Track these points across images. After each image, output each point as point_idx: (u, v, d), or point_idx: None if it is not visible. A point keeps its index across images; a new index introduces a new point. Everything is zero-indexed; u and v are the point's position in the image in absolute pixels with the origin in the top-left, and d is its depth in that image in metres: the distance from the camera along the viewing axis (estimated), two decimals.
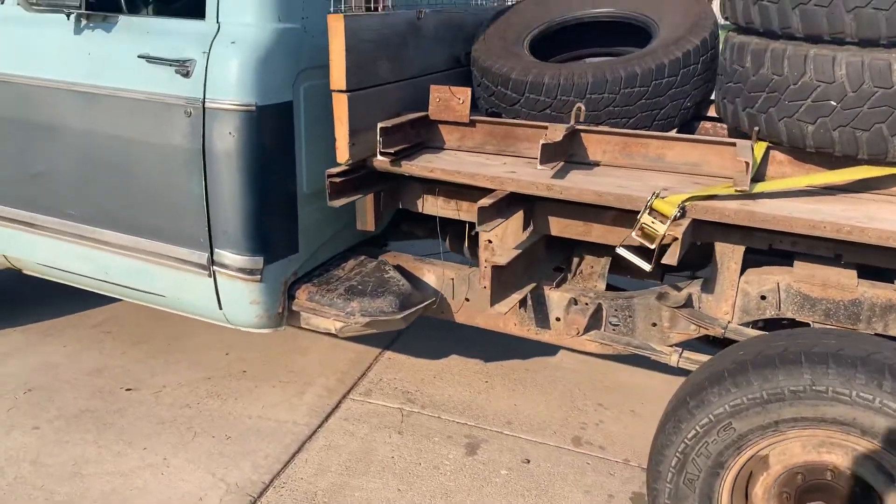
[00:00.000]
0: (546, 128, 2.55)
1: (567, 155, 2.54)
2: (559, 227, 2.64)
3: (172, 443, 2.87)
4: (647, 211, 2.16)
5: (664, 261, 2.12)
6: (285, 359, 3.53)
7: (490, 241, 2.72)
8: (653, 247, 2.15)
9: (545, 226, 2.65)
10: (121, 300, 3.27)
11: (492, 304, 2.50)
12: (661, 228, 2.14)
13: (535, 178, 2.41)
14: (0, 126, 2.77)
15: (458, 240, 3.24)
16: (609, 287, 2.80)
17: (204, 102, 2.37)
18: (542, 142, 2.30)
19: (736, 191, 2.21)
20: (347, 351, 3.63)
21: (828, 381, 1.86)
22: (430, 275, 2.89)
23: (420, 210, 2.88)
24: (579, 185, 2.33)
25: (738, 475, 2.10)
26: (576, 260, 2.90)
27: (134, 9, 2.93)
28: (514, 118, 2.78)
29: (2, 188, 2.86)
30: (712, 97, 2.85)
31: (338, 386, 3.33)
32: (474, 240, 3.19)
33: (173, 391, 3.22)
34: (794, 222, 2.05)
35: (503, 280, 2.52)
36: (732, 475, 2.09)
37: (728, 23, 2.54)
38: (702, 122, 3.03)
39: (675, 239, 2.09)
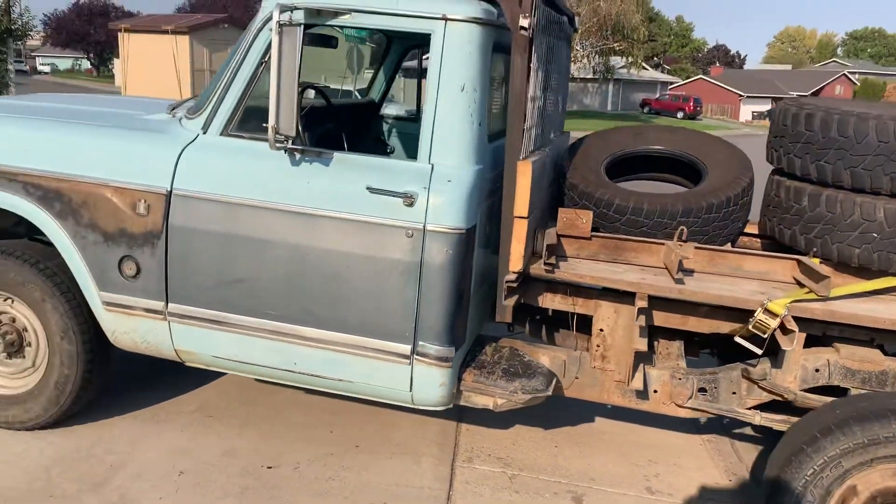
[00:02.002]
0: (651, 243, 3.39)
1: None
2: (662, 318, 3.44)
3: None
4: (763, 310, 3.02)
5: (784, 347, 2.97)
6: (383, 433, 4.04)
7: (601, 330, 3.48)
8: (765, 336, 3.01)
9: (650, 318, 3.44)
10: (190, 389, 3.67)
11: (629, 382, 3.25)
12: (772, 323, 3.00)
13: (662, 283, 3.21)
14: (204, 238, 3.19)
15: (538, 326, 3.97)
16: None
17: (425, 227, 2.98)
18: (681, 258, 3.11)
19: (818, 295, 3.11)
20: (430, 423, 4.19)
21: None
22: (545, 357, 3.59)
23: (539, 304, 3.58)
24: (703, 290, 3.16)
25: (837, 501, 2.94)
26: (655, 343, 3.71)
27: (328, 145, 3.47)
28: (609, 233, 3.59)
29: (195, 291, 3.25)
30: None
31: (442, 454, 3.89)
32: (553, 326, 3.95)
33: (309, 466, 3.64)
34: (877, 320, 2.97)
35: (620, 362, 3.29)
36: (834, 501, 2.93)
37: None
38: (741, 237, 3.98)
39: (792, 331, 2.95)
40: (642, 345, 3.18)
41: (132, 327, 3.39)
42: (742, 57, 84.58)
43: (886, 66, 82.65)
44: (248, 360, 3.30)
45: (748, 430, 4.53)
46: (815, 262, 3.29)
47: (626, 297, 3.38)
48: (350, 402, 4.27)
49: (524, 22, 2.92)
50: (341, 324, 3.14)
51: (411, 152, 4.91)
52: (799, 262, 3.35)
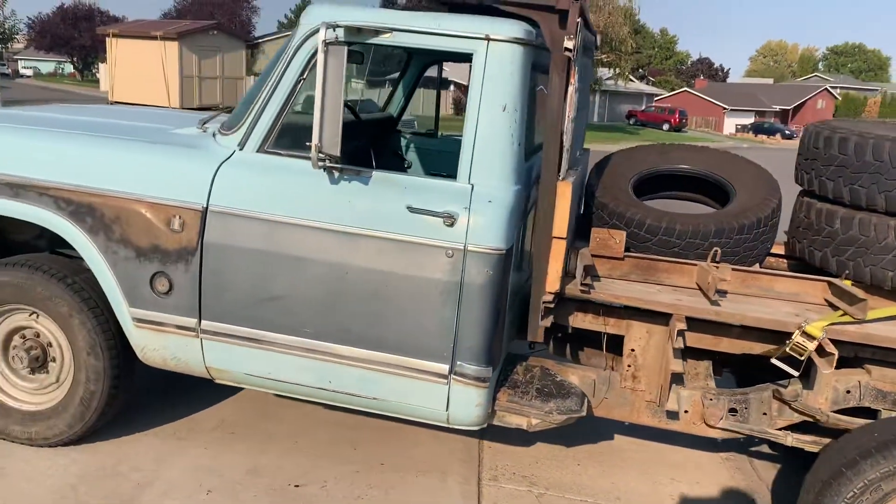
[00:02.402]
0: (683, 264, 3.40)
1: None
2: (694, 339, 3.44)
3: None
4: (801, 333, 3.04)
5: (822, 370, 2.99)
6: (406, 450, 4.02)
7: (633, 350, 3.49)
8: (802, 359, 3.02)
9: (683, 339, 3.44)
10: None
11: (663, 403, 3.25)
12: (810, 346, 3.02)
13: (699, 304, 3.22)
14: (241, 255, 3.16)
15: (561, 344, 3.97)
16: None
17: (465, 247, 2.98)
18: (717, 281, 3.12)
19: (854, 318, 3.14)
20: (451, 440, 4.17)
21: None
22: (574, 376, 3.58)
23: (570, 324, 3.58)
24: (741, 312, 3.17)
25: None
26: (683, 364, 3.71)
27: (357, 161, 3.45)
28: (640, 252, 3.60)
29: (230, 308, 3.22)
30: None
31: (467, 472, 3.88)
32: (577, 344, 3.95)
33: (336, 485, 3.62)
34: None
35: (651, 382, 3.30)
36: None
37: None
38: (767, 258, 4.00)
39: (831, 354, 2.97)
40: (678, 366, 3.19)
41: (162, 344, 3.35)
42: (725, 70, 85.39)
43: (866, 81, 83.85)
44: (281, 378, 3.27)
45: (765, 448, 4.55)
46: (847, 284, 3.32)
47: (657, 317, 3.39)
48: (369, 417, 4.25)
49: (569, 44, 2.93)
50: (379, 342, 3.12)
51: (427, 168, 4.92)
52: (830, 283, 3.37)
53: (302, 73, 3.17)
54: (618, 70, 37.35)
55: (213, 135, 3.41)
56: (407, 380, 3.14)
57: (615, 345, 3.66)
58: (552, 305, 3.14)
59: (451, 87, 49.24)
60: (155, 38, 25.66)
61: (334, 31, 2.91)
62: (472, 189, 3.04)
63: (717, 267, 3.25)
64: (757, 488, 4.08)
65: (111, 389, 3.50)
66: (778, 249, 3.96)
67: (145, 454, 3.69)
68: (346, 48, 2.82)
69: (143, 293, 3.29)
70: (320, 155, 2.93)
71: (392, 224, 3.04)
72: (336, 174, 3.11)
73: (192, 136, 3.53)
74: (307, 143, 2.98)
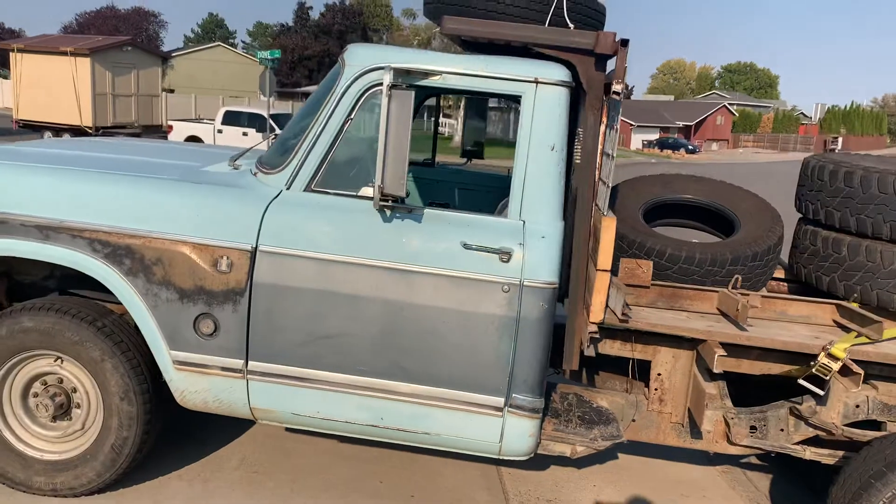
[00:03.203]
0: (705, 290, 3.60)
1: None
2: (717, 363, 3.63)
3: None
4: (825, 354, 3.26)
5: (849, 389, 3.22)
6: (431, 481, 4.06)
7: (659, 374, 3.66)
8: (828, 378, 3.25)
9: (706, 363, 3.63)
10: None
11: (702, 425, 3.42)
12: (834, 366, 3.25)
13: (730, 330, 3.42)
14: (292, 295, 3.15)
15: (577, 371, 4.10)
16: None
17: (522, 282, 3.07)
18: (749, 307, 3.32)
19: (870, 339, 3.39)
20: (470, 469, 4.24)
21: None
22: (603, 401, 3.72)
23: (597, 351, 3.71)
24: (771, 336, 3.37)
25: None
26: None
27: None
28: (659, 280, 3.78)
29: (279, 348, 3.20)
30: None
31: (495, 500, 3.95)
32: (592, 370, 4.10)
33: None
34: None
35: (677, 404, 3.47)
36: None
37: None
38: (769, 282, 4.25)
39: (857, 373, 3.20)
40: (712, 388, 3.37)
41: (205, 387, 3.30)
42: (630, 87, 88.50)
43: (759, 98, 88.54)
44: (331, 417, 3.27)
45: (754, 460, 4.80)
46: (854, 307, 3.58)
47: (683, 342, 3.57)
48: (386, 449, 4.28)
49: (617, 87, 3.07)
50: (433, 378, 3.17)
51: (425, 197, 4.99)
52: (839, 306, 3.63)
53: (349, 114, 3.21)
54: None
55: (255, 174, 3.39)
56: (462, 414, 3.20)
57: (626, 369, 3.82)
58: (598, 336, 3.27)
59: None
60: (65, 53, 24.65)
61: (389, 73, 2.94)
62: (524, 225, 3.14)
63: (748, 294, 3.45)
64: (759, 499, 4.31)
65: (143, 435, 3.42)
66: (777, 274, 4.22)
67: (174, 499, 3.61)
68: (412, 93, 2.88)
69: (185, 335, 3.24)
70: (384, 196, 2.97)
71: (448, 261, 3.10)
72: (388, 212, 3.15)
73: (229, 174, 3.50)
74: (353, 182, 3.02)
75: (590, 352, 3.28)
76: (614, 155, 3.24)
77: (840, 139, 67.86)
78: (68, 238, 3.23)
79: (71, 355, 3.34)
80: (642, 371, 3.80)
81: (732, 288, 3.62)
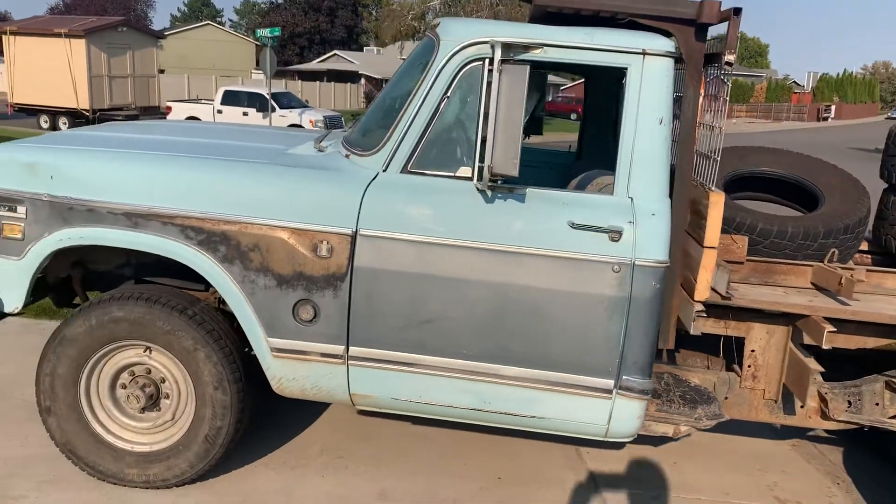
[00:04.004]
0: (799, 265, 3.54)
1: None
2: (808, 337, 3.58)
3: None
4: None
5: None
6: (514, 463, 4.01)
7: (753, 351, 3.60)
8: None
9: (801, 338, 3.58)
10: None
11: (805, 401, 3.37)
12: None
13: (833, 305, 3.36)
14: (394, 279, 3.07)
15: None
16: None
17: (634, 262, 3.00)
18: (854, 282, 3.26)
19: None
20: (549, 450, 4.19)
21: None
22: (696, 380, 3.67)
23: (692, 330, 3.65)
24: (877, 310, 3.32)
25: None
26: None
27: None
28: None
29: (380, 333, 3.12)
30: None
31: (582, 480, 3.91)
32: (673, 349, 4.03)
33: (468, 503, 3.58)
34: None
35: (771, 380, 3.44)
36: None
37: None
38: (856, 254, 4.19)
39: None
40: (816, 365, 3.31)
41: (303, 373, 3.22)
42: None
43: (750, 68, 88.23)
44: (432, 401, 3.21)
45: (820, 433, 4.77)
46: None
47: (778, 318, 3.51)
48: (455, 430, 4.23)
49: (730, 57, 2.99)
50: (541, 361, 3.10)
51: None
52: None
53: (446, 92, 3.11)
54: None
55: (346, 156, 3.29)
56: (570, 397, 3.14)
57: (706, 347, 3.76)
58: (705, 314, 3.20)
59: (362, 81, 48.91)
60: (59, 35, 24.25)
61: (499, 48, 2.83)
62: (633, 203, 3.06)
63: (851, 268, 3.39)
64: (837, 472, 4.29)
65: (237, 424, 3.35)
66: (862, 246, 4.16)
67: (267, 488, 3.55)
68: (527, 67, 2.78)
69: (284, 322, 3.16)
70: (493, 175, 2.87)
71: (555, 241, 3.02)
72: (490, 192, 3.06)
73: (320, 157, 3.39)
74: (448, 161, 2.94)
75: (696, 330, 3.21)
76: (722, 127, 3.15)
77: (833, 107, 67.77)
78: (159, 225, 3.13)
79: (161, 345, 3.26)
80: (726, 348, 3.75)
81: (829, 262, 3.56)
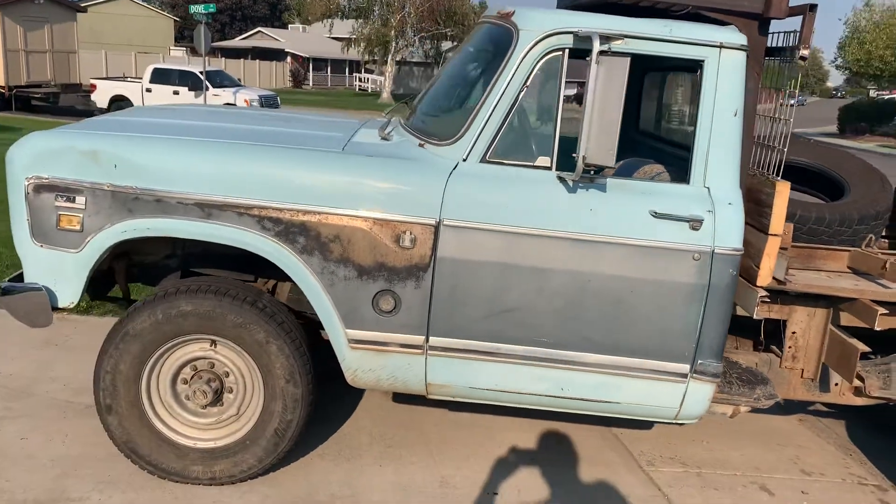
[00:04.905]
0: (838, 250, 3.72)
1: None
2: (847, 319, 3.77)
3: None
4: None
5: None
6: (558, 447, 4.09)
7: (794, 333, 3.77)
8: None
9: (838, 319, 3.76)
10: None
11: (853, 380, 3.55)
12: None
13: (878, 288, 3.54)
14: (477, 269, 3.07)
15: None
16: None
17: (713, 250, 3.09)
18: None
19: None
20: (587, 432, 4.29)
21: None
22: (743, 361, 3.81)
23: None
24: None
25: None
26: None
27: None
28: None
29: (461, 323, 3.12)
30: None
31: (625, 461, 4.02)
32: None
33: (529, 490, 3.64)
34: None
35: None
36: None
37: None
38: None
39: None
40: (862, 346, 3.49)
41: (381, 364, 3.20)
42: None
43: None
44: (508, 389, 3.24)
45: (820, 407, 5.03)
46: None
47: (819, 301, 3.67)
48: (490, 415, 4.28)
49: (805, 52, 3.09)
50: (619, 347, 3.17)
51: None
52: None
53: (526, 81, 3.11)
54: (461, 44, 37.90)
55: (422, 145, 3.26)
56: (647, 382, 3.22)
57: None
58: (768, 299, 3.33)
59: (288, 59, 47.92)
60: None
61: (597, 39, 2.85)
62: (710, 192, 3.15)
63: (892, 253, 3.57)
64: (847, 445, 4.54)
65: (306, 417, 3.30)
66: None
67: (329, 479, 3.51)
68: (628, 59, 2.81)
69: (363, 313, 3.12)
70: (587, 166, 2.90)
71: (637, 230, 3.08)
72: (572, 182, 3.09)
73: (393, 146, 3.34)
74: (526, 151, 2.97)
75: (759, 315, 3.33)
76: (790, 120, 3.27)
77: None
78: (234, 216, 3.04)
79: (230, 338, 3.18)
80: (756, 328, 3.90)
81: (866, 246, 3.74)
